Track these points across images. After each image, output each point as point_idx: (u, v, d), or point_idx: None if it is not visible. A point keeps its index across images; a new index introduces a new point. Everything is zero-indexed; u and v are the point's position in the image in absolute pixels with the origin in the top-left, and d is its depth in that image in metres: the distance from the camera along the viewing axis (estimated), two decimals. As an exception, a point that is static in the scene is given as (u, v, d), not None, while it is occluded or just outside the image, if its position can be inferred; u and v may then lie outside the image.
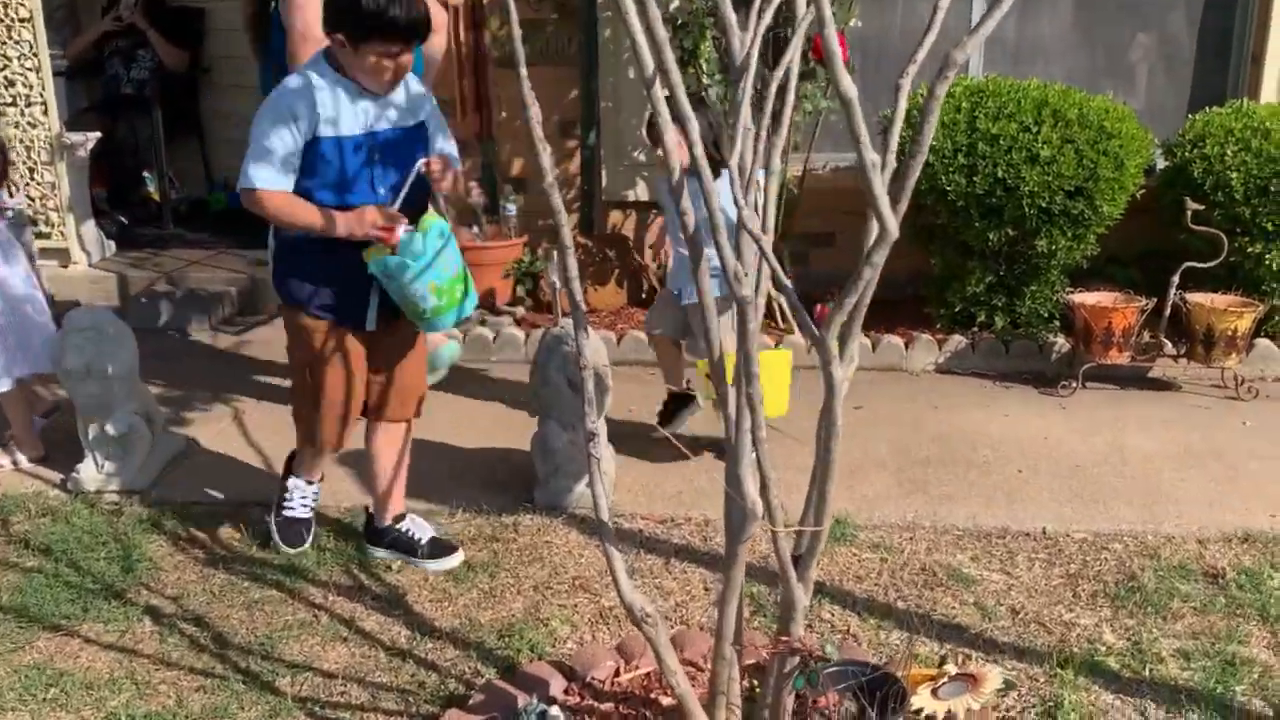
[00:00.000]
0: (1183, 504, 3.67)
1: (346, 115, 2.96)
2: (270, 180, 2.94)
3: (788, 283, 1.85)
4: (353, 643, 2.96)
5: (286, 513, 3.43)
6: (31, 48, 5.53)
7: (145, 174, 6.73)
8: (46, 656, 2.92)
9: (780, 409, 3.78)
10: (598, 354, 3.58)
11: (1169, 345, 4.74)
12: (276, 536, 3.42)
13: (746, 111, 1.99)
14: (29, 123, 5.66)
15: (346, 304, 3.14)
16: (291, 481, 3.45)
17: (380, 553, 3.40)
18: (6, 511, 3.67)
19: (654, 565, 3.34)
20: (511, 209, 5.52)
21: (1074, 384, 4.71)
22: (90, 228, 6.09)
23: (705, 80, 4.99)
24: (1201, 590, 3.15)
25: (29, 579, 3.27)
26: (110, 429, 3.73)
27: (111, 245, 6.25)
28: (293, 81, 2.97)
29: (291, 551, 3.40)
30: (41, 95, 5.63)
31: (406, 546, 3.37)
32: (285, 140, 2.92)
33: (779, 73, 2.04)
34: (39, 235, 5.67)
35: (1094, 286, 4.90)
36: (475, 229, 5.48)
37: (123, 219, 6.57)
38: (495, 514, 3.63)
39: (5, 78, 5.57)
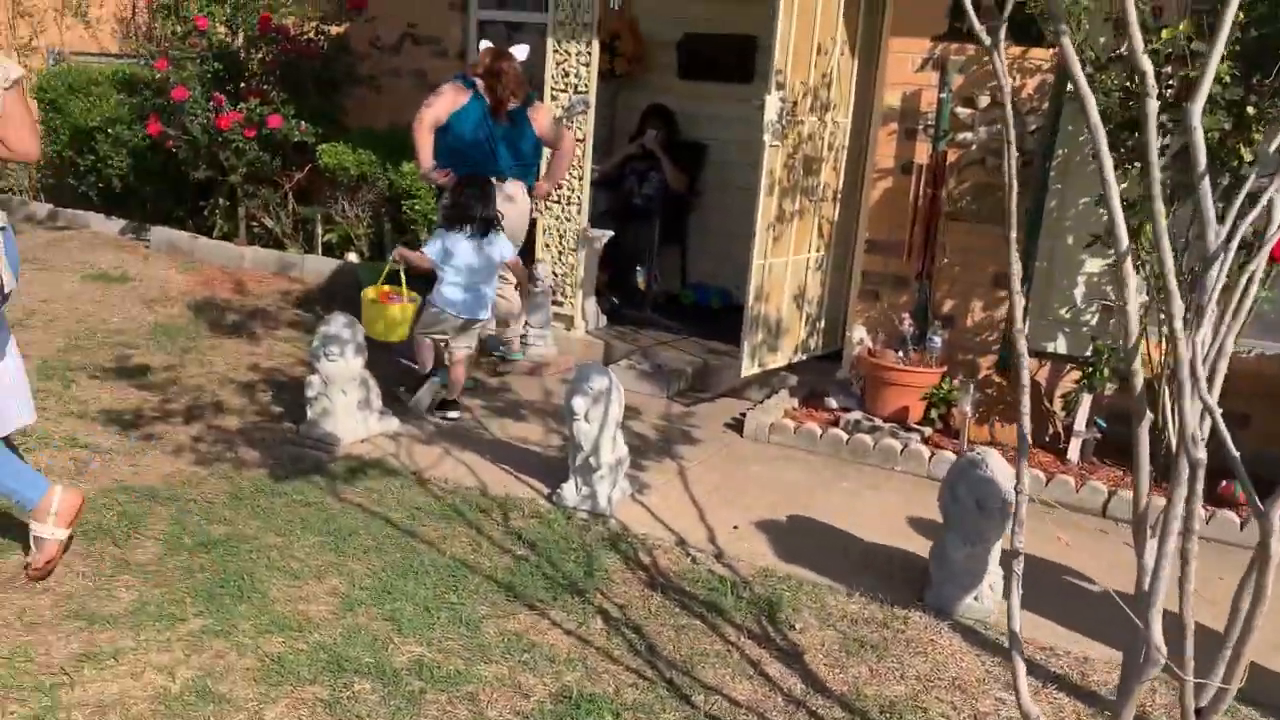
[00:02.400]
0: None
1: None
2: None
3: (1235, 452, 1.78)
4: (757, 681, 3.09)
5: None
6: (581, 162, 6.33)
7: (638, 268, 7.42)
8: (525, 627, 3.29)
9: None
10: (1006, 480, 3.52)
11: None
12: None
13: (1215, 297, 1.96)
14: (566, 217, 6.47)
15: None
16: None
17: None
18: (508, 509, 4.18)
19: (1030, 686, 3.20)
20: (937, 341, 5.53)
21: None
22: (591, 303, 6.81)
23: (1144, 255, 4.78)
24: None
25: (518, 564, 3.71)
26: (593, 462, 4.16)
27: (604, 319, 6.93)
28: None
29: None
30: (579, 197, 6.42)
31: None
32: None
33: (1251, 267, 2.01)
34: (555, 304, 6.44)
35: None
36: (900, 354, 5.55)
37: (615, 300, 7.27)
38: (889, 604, 3.63)
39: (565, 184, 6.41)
